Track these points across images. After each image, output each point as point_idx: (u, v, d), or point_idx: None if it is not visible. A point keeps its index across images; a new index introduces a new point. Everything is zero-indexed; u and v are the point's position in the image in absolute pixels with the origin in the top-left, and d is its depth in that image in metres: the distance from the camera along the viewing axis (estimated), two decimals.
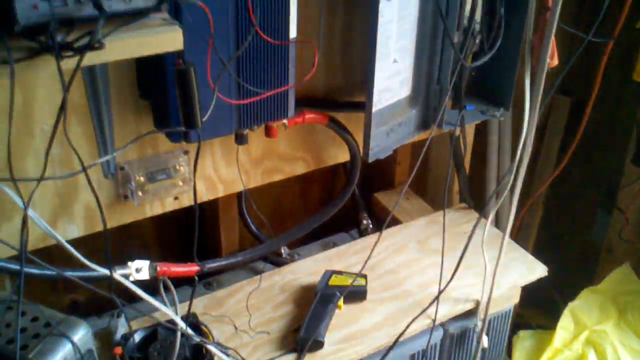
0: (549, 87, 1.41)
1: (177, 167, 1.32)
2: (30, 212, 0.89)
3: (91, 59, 0.81)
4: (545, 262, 1.65)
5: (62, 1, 0.80)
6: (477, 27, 1.50)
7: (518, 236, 2.21)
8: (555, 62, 1.39)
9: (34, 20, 0.79)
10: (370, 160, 1.42)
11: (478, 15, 1.50)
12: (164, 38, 0.89)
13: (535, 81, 1.45)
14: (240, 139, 1.30)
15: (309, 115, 1.46)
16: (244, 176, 1.42)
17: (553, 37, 1.40)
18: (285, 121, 1.33)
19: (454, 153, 1.71)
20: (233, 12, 1.15)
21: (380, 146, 1.45)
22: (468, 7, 1.48)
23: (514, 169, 1.45)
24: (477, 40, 1.52)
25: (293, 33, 1.26)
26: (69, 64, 0.79)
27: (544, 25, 1.41)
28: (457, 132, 1.60)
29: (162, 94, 1.15)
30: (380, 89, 1.41)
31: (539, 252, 1.75)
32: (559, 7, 1.34)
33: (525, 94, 1.44)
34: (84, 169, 0.91)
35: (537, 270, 1.63)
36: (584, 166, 2.15)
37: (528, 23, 1.43)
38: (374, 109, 1.40)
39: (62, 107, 0.82)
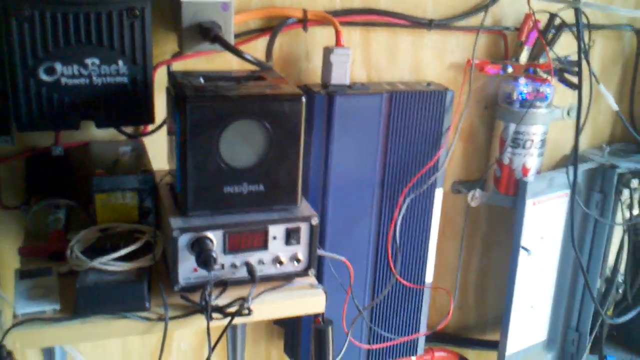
0: None
1: None
2: None
3: (237, 320, 0.89)
4: None
5: (219, 265, 0.90)
6: (621, 278, 1.53)
7: None
8: None
9: (192, 282, 0.90)
10: None
11: (622, 267, 1.52)
12: (308, 302, 0.96)
13: None
14: None
15: (439, 354, 1.52)
16: None
17: None
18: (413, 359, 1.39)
19: None
20: (372, 262, 1.27)
21: None
22: (612, 258, 1.51)
23: None
24: (621, 290, 1.54)
25: (429, 277, 1.34)
26: (216, 322, 0.88)
27: None
28: None
29: (296, 325, 1.27)
30: (515, 333, 1.45)
31: None
32: None
33: None
34: None
35: None
36: None
37: None
38: (507, 352, 1.43)
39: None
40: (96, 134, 1.08)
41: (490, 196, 1.40)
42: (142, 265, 0.89)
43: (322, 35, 1.20)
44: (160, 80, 1.03)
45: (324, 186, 1.19)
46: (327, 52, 1.14)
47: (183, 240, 0.88)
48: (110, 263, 0.88)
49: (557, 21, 1.30)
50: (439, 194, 1.31)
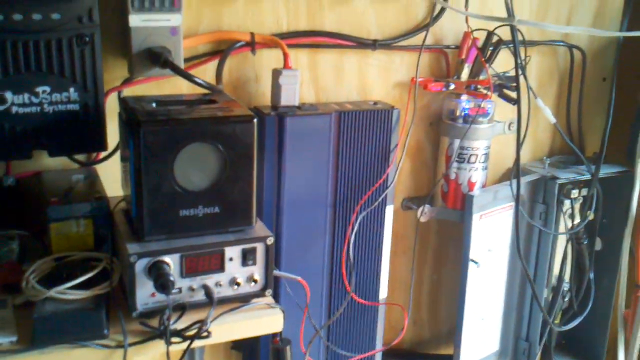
0: None
1: None
2: None
3: (196, 343, 0.88)
4: None
5: (177, 289, 0.90)
6: (567, 286, 1.59)
7: None
8: None
9: (151, 307, 0.90)
10: None
11: (567, 275, 1.58)
12: (266, 322, 0.97)
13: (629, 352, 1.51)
14: None
15: None
16: None
17: None
18: None
19: None
20: (327, 280, 1.29)
21: None
22: (557, 267, 1.57)
23: None
24: (567, 299, 1.60)
25: (383, 294, 1.36)
26: (175, 347, 0.88)
27: (636, 302, 1.47)
28: None
29: (253, 348, 1.27)
30: (468, 345, 1.48)
31: None
32: None
33: None
34: None
35: None
36: None
37: (619, 294, 1.50)
38: None
39: None
40: (48, 162, 1.07)
41: (439, 211, 1.43)
42: (99, 293, 0.88)
43: (270, 58, 1.21)
44: (111, 107, 1.03)
45: (277, 206, 1.20)
46: (276, 74, 1.16)
47: (140, 265, 0.87)
48: (67, 292, 0.87)
49: (495, 38, 1.35)
50: (389, 210, 1.33)
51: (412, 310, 1.54)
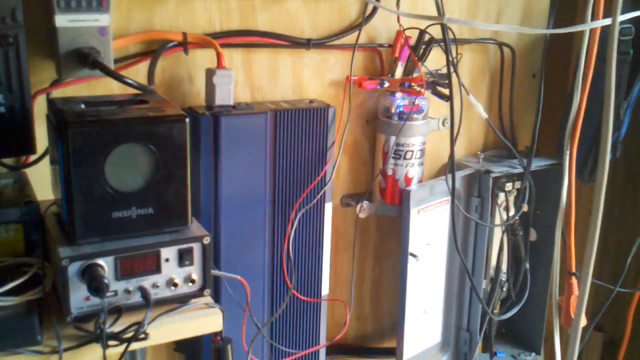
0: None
1: None
2: None
3: (134, 345, 0.87)
4: None
5: (112, 292, 0.89)
6: (504, 276, 1.62)
7: None
8: (583, 323, 1.38)
9: (85, 310, 0.88)
10: None
11: (504, 266, 1.61)
12: (205, 322, 0.96)
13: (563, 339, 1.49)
14: None
15: None
16: None
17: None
18: None
19: None
20: (269, 278, 1.29)
21: None
22: (494, 258, 1.61)
23: None
24: (505, 289, 1.63)
25: (325, 290, 1.38)
26: (113, 350, 0.87)
27: (569, 288, 1.48)
28: None
29: (196, 349, 1.25)
30: (411, 338, 1.50)
31: None
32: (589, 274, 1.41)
33: (555, 348, 1.50)
34: None
35: None
36: None
37: (553, 282, 1.50)
38: (404, 358, 1.49)
39: None
40: None
41: (378, 207, 1.45)
42: (31, 299, 0.87)
43: (203, 58, 1.21)
44: (40, 110, 1.01)
45: (215, 207, 1.20)
46: (210, 73, 1.16)
47: (73, 268, 0.86)
48: None
49: (427, 37, 1.38)
50: (328, 208, 1.34)
51: (355, 305, 1.55)
